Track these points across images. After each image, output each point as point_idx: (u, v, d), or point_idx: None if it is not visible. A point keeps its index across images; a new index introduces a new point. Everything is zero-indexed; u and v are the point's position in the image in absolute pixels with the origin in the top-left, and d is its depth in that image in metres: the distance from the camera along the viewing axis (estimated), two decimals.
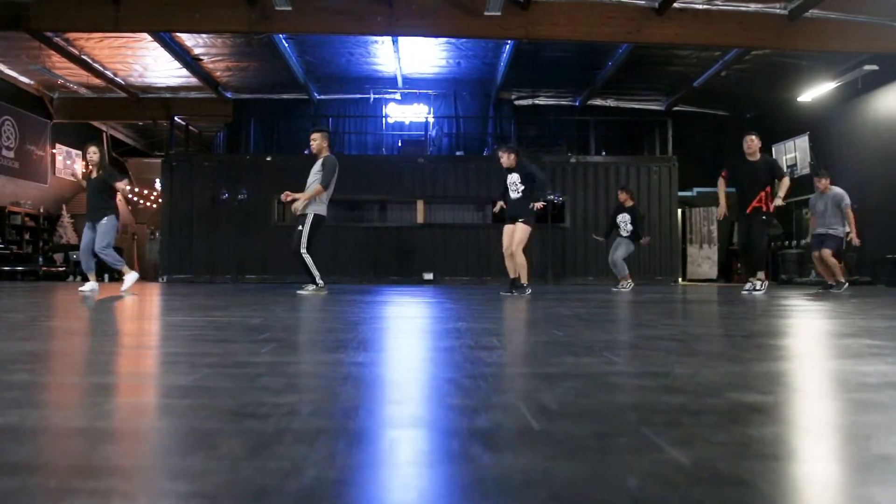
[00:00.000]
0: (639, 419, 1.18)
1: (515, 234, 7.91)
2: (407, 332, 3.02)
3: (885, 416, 1.24)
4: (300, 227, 7.87)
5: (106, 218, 8.01)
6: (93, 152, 8.17)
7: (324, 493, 0.78)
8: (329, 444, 0.99)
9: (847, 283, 9.70)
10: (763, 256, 9.19)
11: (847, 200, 9.72)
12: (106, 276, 16.53)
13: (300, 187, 14.95)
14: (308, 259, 7.79)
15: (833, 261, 9.58)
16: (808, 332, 3.24)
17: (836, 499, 0.82)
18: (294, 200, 7.95)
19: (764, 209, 8.46)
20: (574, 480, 0.84)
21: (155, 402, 1.39)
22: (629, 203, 11.14)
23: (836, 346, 2.47)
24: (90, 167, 8.29)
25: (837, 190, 9.85)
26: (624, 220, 11.05)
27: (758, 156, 8.70)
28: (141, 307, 5.14)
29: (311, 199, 7.84)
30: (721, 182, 9.05)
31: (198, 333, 2.78)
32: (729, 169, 8.92)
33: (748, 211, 8.51)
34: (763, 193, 8.49)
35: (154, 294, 7.85)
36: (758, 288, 8.48)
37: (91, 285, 7.92)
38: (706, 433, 1.09)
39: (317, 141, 8.02)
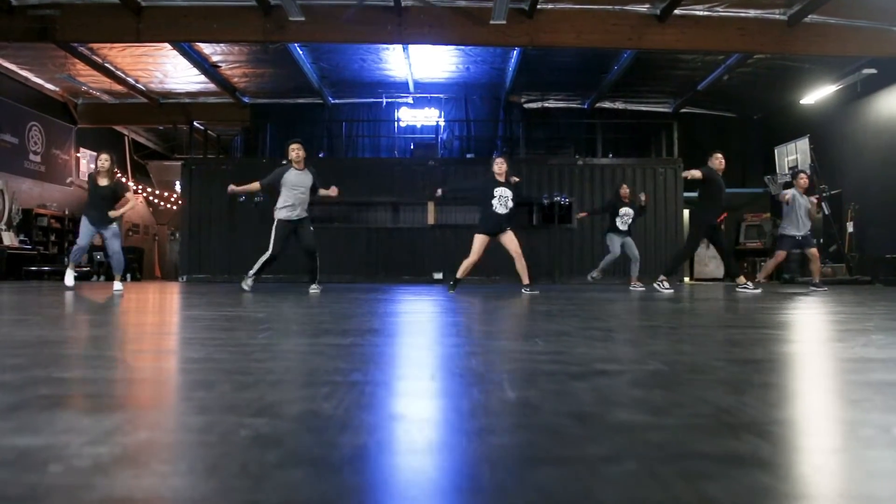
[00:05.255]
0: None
1: (514, 241, 8.13)
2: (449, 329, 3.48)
3: None
4: (311, 228, 8.46)
5: (115, 223, 8.58)
6: (104, 160, 8.57)
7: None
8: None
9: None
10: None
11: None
12: (128, 276, 17.19)
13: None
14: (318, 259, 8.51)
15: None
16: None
17: None
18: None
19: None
20: None
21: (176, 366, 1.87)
22: (629, 198, 11.40)
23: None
24: (99, 174, 8.58)
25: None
26: (627, 213, 11.21)
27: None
28: (165, 304, 5.65)
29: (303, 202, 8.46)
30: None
31: (209, 324, 3.27)
32: (710, 175, 9.02)
33: (719, 220, 8.88)
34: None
35: (175, 293, 8.37)
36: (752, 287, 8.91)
37: (72, 279, 8.45)
38: None
39: (301, 151, 8.39)
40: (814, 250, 9.91)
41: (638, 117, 18.79)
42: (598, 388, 1.49)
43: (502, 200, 8.06)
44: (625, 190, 11.49)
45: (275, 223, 8.39)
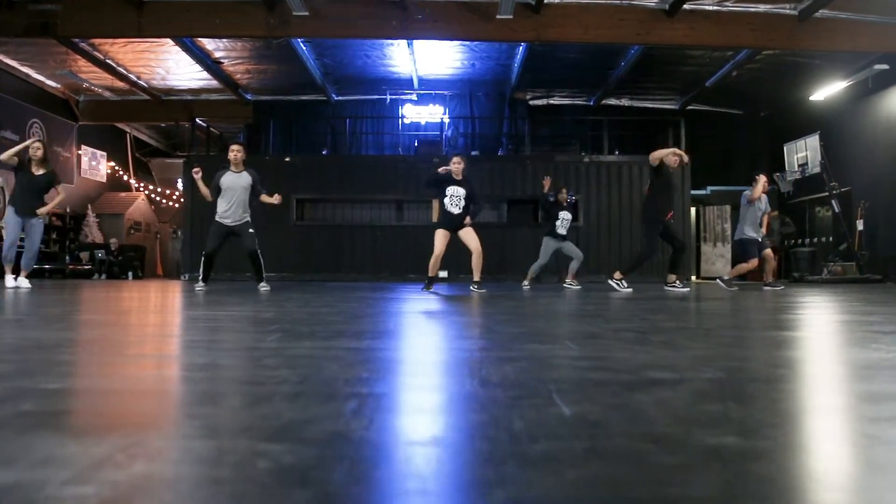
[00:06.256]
0: None
1: (473, 237, 7.97)
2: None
3: None
4: (251, 231, 8.31)
5: (40, 217, 8.39)
6: (36, 148, 8.31)
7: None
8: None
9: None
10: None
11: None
12: (130, 274, 17.03)
13: (318, 187, 15.34)
14: (261, 258, 8.39)
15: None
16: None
17: None
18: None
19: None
20: None
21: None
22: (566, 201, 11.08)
23: None
24: (32, 162, 8.32)
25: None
26: (566, 217, 10.93)
27: None
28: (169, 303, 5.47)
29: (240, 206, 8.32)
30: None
31: (213, 325, 3.08)
32: (663, 169, 8.54)
33: (668, 218, 8.58)
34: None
35: (179, 292, 8.20)
36: (681, 286, 8.72)
37: (14, 279, 8.18)
38: None
39: (241, 153, 8.24)
40: (769, 251, 9.70)
41: (644, 114, 18.59)
42: (663, 401, 1.30)
43: (454, 200, 7.92)
44: (563, 194, 11.14)
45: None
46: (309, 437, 1.00)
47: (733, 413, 1.21)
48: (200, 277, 8.37)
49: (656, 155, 8.34)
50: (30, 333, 2.67)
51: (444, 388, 1.44)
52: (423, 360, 1.93)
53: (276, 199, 8.26)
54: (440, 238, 8.00)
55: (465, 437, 1.02)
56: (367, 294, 7.08)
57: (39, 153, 8.30)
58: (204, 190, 8.36)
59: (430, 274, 8.14)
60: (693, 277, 17.17)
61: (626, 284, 8.51)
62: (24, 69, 16.09)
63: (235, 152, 8.21)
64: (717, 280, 9.65)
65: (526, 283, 10.92)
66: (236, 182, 8.21)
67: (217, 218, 8.31)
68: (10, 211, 8.32)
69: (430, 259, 8.07)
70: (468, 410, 1.23)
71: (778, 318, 3.81)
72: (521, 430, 1.07)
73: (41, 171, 8.34)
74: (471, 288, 7.94)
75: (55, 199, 8.68)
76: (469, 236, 7.99)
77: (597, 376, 1.60)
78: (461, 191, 7.90)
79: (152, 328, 3.11)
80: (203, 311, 4.18)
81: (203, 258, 8.39)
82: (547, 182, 11.35)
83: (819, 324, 3.51)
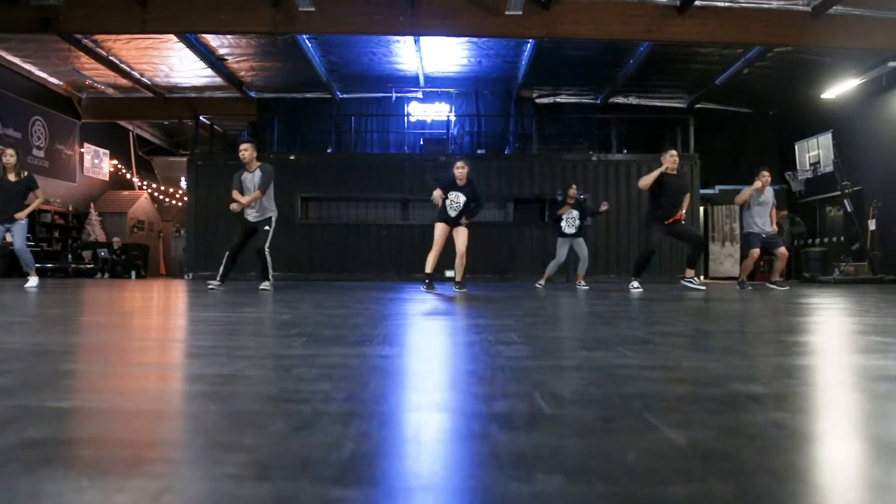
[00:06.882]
0: None
1: (464, 239, 7.87)
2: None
3: None
4: (267, 228, 8.12)
5: (24, 220, 8.25)
6: (10, 155, 8.21)
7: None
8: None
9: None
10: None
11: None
12: (133, 273, 16.83)
13: (322, 185, 15.16)
14: (269, 258, 8.12)
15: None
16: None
17: None
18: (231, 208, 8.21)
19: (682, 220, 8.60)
20: None
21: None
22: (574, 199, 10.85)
23: None
24: (7, 169, 8.22)
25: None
26: (572, 215, 10.68)
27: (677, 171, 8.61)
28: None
29: (256, 202, 8.10)
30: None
31: (230, 328, 2.89)
32: (659, 178, 8.46)
33: (669, 222, 8.41)
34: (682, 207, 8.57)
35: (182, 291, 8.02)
36: (697, 283, 8.57)
37: None
38: None
39: (248, 151, 8.03)
40: (782, 249, 9.51)
41: (652, 113, 18.38)
42: (779, 423, 1.10)
43: (453, 205, 7.81)
44: (572, 190, 10.88)
45: None
46: (383, 480, 0.81)
47: (877, 441, 1.01)
48: (219, 275, 8.16)
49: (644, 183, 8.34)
50: (32, 337, 2.47)
51: (516, 407, 1.24)
52: (473, 371, 1.73)
53: (244, 200, 8.02)
54: (440, 231, 7.91)
55: (580, 478, 0.83)
56: (377, 294, 6.90)
57: (12, 160, 8.20)
58: (241, 198, 8.14)
59: (428, 270, 7.80)
60: (701, 277, 16.97)
61: (636, 285, 8.41)
62: (27, 66, 15.91)
63: (242, 151, 8.08)
64: (736, 284, 9.54)
65: (541, 282, 10.72)
66: (251, 181, 8.12)
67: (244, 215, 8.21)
68: None
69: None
70: (560, 437, 1.03)
71: (817, 322, 3.61)
72: (637, 465, 0.87)
73: (17, 179, 8.24)
74: (453, 288, 7.80)
75: (34, 203, 8.52)
76: (460, 236, 7.91)
77: (681, 390, 1.41)
78: (461, 197, 7.77)
79: (165, 332, 2.92)
80: (215, 312, 3.99)
81: (226, 255, 8.23)
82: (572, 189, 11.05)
83: (869, 327, 3.31)
